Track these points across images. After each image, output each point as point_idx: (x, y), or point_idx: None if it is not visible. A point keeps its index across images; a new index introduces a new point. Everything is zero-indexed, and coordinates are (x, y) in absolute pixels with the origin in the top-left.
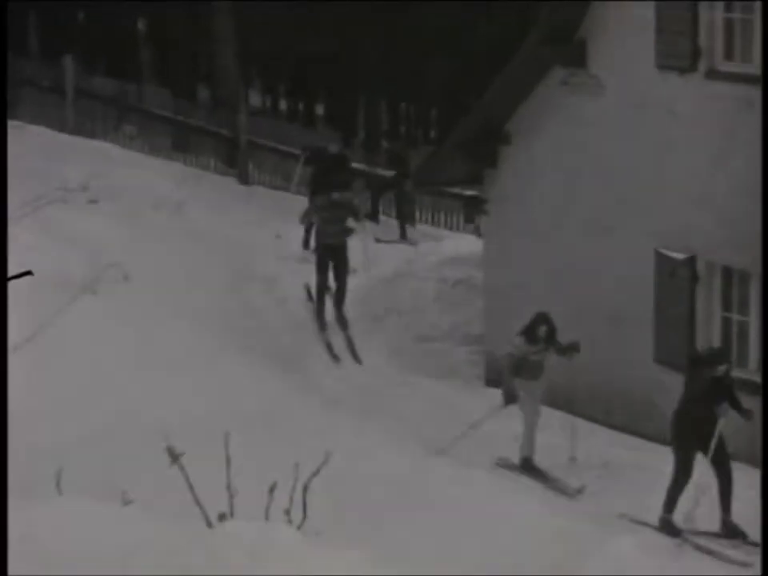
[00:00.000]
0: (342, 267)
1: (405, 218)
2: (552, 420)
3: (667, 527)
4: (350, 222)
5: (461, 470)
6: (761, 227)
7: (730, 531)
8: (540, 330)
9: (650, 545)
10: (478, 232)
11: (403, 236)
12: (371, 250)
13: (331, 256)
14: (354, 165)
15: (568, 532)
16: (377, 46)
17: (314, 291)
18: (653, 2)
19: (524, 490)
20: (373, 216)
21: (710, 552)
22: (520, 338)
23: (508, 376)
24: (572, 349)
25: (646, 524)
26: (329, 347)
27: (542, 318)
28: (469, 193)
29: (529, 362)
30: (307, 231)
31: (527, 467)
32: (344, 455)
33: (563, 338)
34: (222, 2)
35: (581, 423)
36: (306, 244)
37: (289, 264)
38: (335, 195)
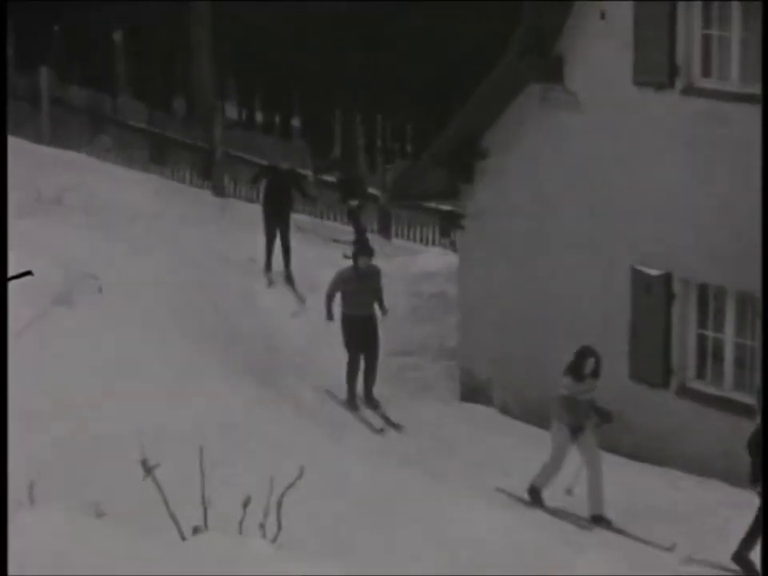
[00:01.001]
0: (371, 342)
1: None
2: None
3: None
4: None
5: (435, 486)
6: (761, 247)
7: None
8: (587, 365)
9: (624, 560)
10: (453, 247)
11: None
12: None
13: (359, 329)
14: (329, 178)
15: (541, 546)
16: (353, 60)
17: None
18: (630, 19)
19: (497, 504)
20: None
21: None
22: (567, 377)
23: (562, 416)
24: (606, 418)
25: (627, 535)
26: (368, 424)
27: (588, 352)
28: (445, 207)
29: (578, 401)
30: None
31: (599, 521)
32: (318, 469)
33: (541, 354)
34: (199, 14)
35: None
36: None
37: (264, 277)
38: (362, 262)
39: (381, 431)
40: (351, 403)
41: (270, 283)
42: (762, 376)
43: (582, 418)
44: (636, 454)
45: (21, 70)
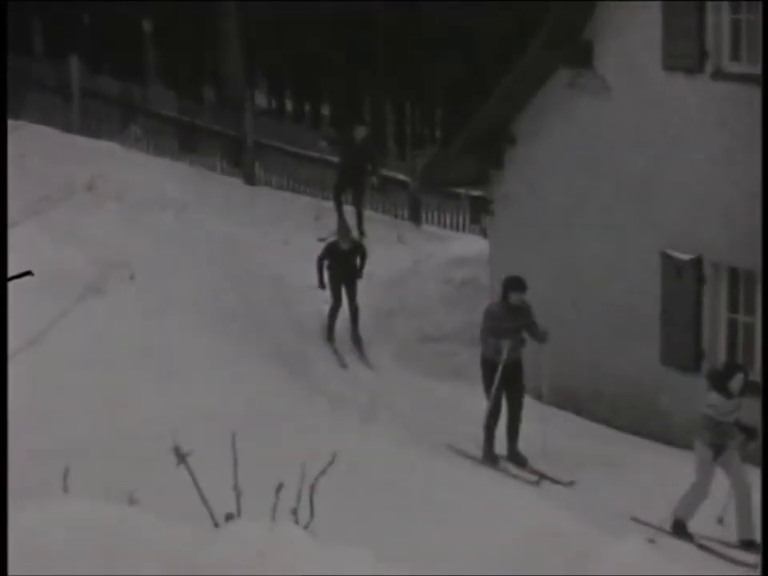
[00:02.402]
0: (516, 390)
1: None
2: (565, 422)
3: None
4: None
5: (463, 471)
6: (761, 227)
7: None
8: (736, 382)
9: (655, 546)
10: (484, 233)
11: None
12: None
13: (503, 375)
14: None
15: (571, 533)
16: (382, 46)
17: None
18: (659, 3)
19: (525, 490)
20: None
21: (715, 554)
22: (713, 394)
23: (705, 436)
24: (752, 435)
25: (650, 524)
26: (517, 479)
27: (737, 368)
28: (475, 193)
29: (722, 421)
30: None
31: (749, 547)
32: (350, 456)
33: (572, 339)
34: (228, 3)
35: (584, 423)
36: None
37: (295, 264)
38: (513, 297)
39: (537, 483)
40: (490, 457)
41: (338, 357)
42: (762, 361)
43: (727, 439)
44: (667, 439)
45: (51, 61)
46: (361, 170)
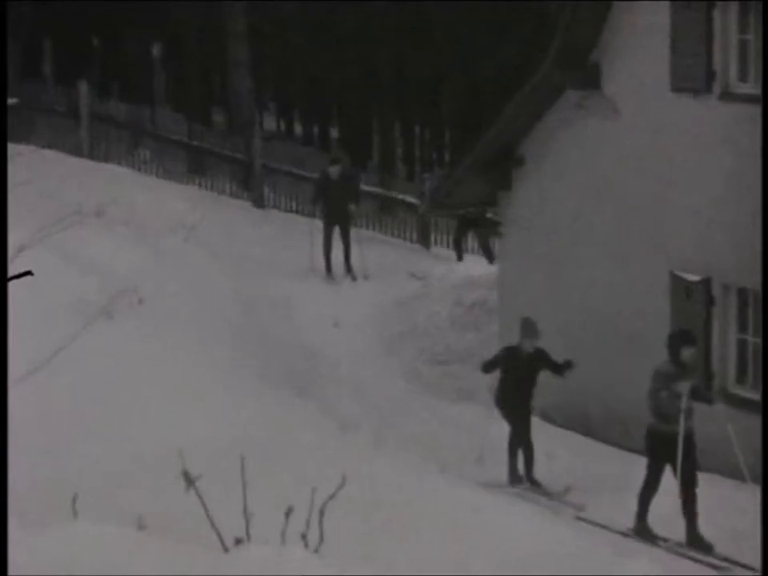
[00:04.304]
0: (689, 464)
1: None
2: (577, 444)
3: None
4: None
5: (474, 494)
6: (761, 245)
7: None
8: None
9: (662, 566)
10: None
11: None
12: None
13: (675, 448)
14: (369, 188)
15: (579, 552)
16: (391, 70)
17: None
18: (667, 25)
19: (533, 512)
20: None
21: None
22: None
23: None
24: None
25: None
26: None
27: None
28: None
29: None
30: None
31: None
32: (360, 479)
33: (582, 362)
34: (237, 27)
35: (595, 445)
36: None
37: (304, 288)
38: (686, 353)
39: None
40: (643, 532)
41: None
42: (762, 375)
43: None
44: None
45: (60, 84)
46: (343, 207)
